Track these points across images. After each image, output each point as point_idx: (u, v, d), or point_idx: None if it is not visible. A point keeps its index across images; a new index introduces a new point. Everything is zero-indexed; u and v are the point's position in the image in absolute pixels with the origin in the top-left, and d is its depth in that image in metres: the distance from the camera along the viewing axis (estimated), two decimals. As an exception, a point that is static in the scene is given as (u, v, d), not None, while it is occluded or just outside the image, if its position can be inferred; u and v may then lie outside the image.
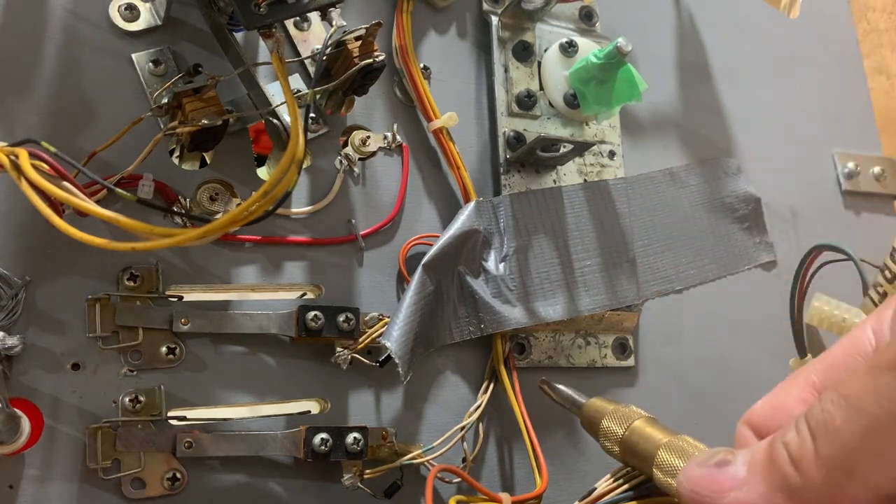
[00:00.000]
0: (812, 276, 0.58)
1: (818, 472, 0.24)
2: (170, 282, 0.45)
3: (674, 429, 0.35)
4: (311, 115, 0.49)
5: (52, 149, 0.36)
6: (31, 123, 0.43)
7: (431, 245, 0.49)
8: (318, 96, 0.47)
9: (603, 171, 0.57)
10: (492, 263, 0.51)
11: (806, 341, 0.59)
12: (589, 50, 0.55)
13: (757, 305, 0.62)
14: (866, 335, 0.29)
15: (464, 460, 0.49)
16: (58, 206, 0.36)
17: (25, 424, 0.39)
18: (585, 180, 0.56)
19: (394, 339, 0.45)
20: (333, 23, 0.42)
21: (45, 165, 0.36)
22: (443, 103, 0.52)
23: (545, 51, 0.56)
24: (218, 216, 0.45)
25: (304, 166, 0.49)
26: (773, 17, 0.63)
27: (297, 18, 0.50)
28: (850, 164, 0.68)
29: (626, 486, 0.45)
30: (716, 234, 0.60)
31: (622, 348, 0.56)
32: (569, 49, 0.56)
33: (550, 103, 0.56)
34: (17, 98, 0.43)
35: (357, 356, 0.47)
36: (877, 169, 0.69)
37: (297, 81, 0.50)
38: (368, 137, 0.51)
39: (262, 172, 0.49)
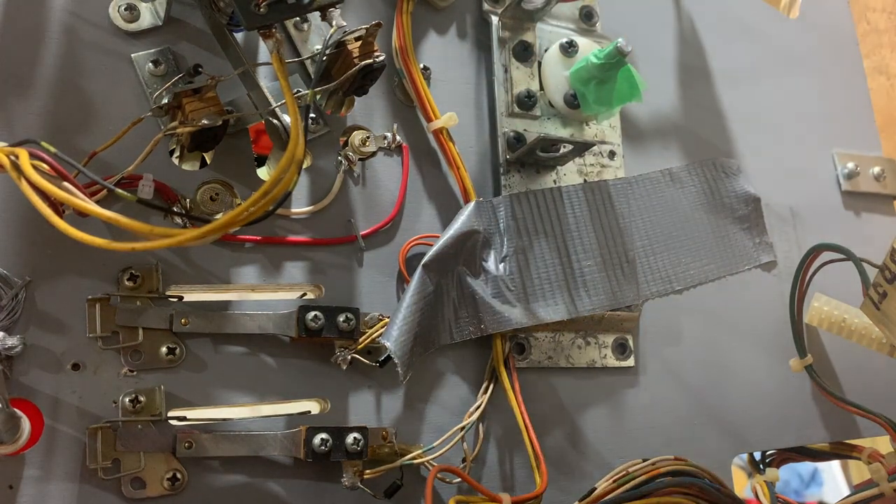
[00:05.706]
0: (812, 276, 0.58)
1: None
2: (170, 282, 0.45)
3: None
4: (311, 115, 0.49)
5: (52, 149, 0.36)
6: (31, 123, 0.43)
7: (431, 245, 0.49)
8: (318, 96, 0.47)
9: (603, 172, 0.57)
10: (492, 263, 0.51)
11: (806, 341, 0.59)
12: (589, 50, 0.55)
13: (757, 305, 0.62)
14: None
15: (464, 460, 0.49)
16: (58, 206, 0.36)
17: (25, 424, 0.39)
18: (585, 180, 0.56)
19: (393, 339, 0.45)
20: (333, 23, 0.42)
21: (45, 165, 0.36)
22: (443, 103, 0.52)
23: (545, 51, 0.56)
24: (218, 216, 0.45)
25: (304, 166, 0.49)
26: (773, 18, 0.63)
27: (297, 18, 0.50)
28: (850, 164, 0.68)
29: (626, 487, 0.45)
30: (716, 234, 0.60)
31: (622, 348, 0.56)
32: (569, 49, 0.56)
33: (550, 103, 0.56)
34: (17, 98, 0.43)
35: (357, 356, 0.47)
36: (877, 169, 0.69)
37: (297, 81, 0.50)
38: (368, 137, 0.51)
39: (262, 172, 0.49)
